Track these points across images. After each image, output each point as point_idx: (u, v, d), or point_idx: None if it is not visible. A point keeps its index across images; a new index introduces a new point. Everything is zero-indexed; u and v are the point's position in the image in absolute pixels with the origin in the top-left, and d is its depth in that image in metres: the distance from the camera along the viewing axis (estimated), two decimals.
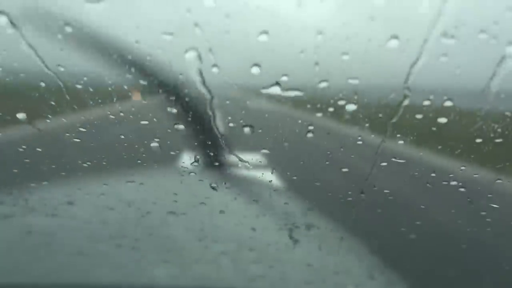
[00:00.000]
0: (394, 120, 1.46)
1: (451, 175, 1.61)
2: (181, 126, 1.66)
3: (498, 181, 1.56)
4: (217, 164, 1.87)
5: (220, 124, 1.63)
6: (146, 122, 1.67)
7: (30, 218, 1.71)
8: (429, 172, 1.64)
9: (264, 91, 1.38)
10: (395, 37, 1.24)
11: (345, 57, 1.32)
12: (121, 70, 1.53)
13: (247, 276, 1.47)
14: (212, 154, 1.80)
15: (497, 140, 1.49)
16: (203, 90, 1.35)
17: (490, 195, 1.56)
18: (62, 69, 1.43)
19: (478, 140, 1.55)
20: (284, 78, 1.36)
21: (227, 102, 1.54)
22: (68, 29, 1.33)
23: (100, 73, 1.58)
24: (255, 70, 1.32)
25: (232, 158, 1.74)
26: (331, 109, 1.46)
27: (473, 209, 1.59)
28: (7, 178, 1.81)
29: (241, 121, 1.62)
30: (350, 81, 1.38)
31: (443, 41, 1.20)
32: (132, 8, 1.42)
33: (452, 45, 1.20)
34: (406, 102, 1.41)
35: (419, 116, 1.48)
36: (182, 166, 1.73)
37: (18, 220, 1.70)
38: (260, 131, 1.60)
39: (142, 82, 1.57)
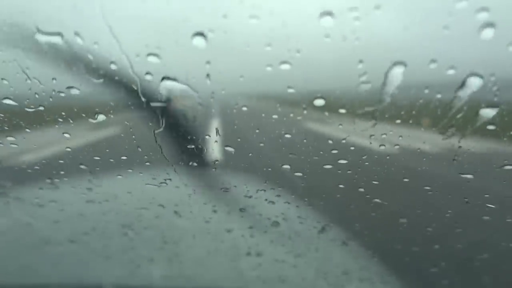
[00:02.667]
0: (394, 117, 1.46)
1: (447, 173, 1.61)
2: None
3: (495, 179, 1.56)
4: (213, 162, 1.86)
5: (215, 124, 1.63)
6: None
7: (21, 217, 1.70)
8: (428, 170, 1.64)
9: None
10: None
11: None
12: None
13: (243, 275, 1.46)
14: (208, 152, 1.79)
15: (495, 139, 1.49)
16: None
17: (486, 195, 1.57)
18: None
19: (476, 138, 1.55)
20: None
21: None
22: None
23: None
24: None
25: (227, 156, 1.73)
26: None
27: (469, 208, 1.59)
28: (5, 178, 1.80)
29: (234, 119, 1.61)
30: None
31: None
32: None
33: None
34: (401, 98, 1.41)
35: (416, 113, 1.48)
36: (179, 165, 1.72)
37: (10, 218, 1.68)
38: (257, 130, 1.60)
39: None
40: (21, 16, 1.35)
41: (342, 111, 1.47)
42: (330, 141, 1.58)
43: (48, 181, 1.76)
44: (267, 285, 1.43)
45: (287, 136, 1.62)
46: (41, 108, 1.54)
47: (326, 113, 1.49)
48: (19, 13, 1.34)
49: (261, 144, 1.68)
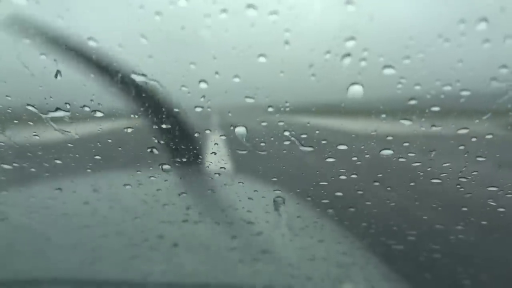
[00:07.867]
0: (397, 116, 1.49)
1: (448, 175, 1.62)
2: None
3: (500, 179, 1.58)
4: (215, 160, 1.86)
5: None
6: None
7: (26, 216, 1.68)
8: (430, 170, 1.65)
9: None
10: None
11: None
12: None
13: (246, 271, 1.45)
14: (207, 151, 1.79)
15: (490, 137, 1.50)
16: None
17: (492, 188, 1.58)
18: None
19: (473, 139, 1.56)
20: None
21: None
22: None
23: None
24: None
25: (226, 153, 1.73)
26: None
27: (471, 204, 1.60)
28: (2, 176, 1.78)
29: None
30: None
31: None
32: None
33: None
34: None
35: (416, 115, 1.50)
36: (182, 164, 1.72)
37: (15, 219, 1.67)
38: (264, 124, 1.60)
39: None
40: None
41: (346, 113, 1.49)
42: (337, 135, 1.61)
43: (48, 178, 1.75)
44: (268, 280, 1.42)
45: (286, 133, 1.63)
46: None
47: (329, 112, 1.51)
48: None
49: (262, 144, 1.68)
